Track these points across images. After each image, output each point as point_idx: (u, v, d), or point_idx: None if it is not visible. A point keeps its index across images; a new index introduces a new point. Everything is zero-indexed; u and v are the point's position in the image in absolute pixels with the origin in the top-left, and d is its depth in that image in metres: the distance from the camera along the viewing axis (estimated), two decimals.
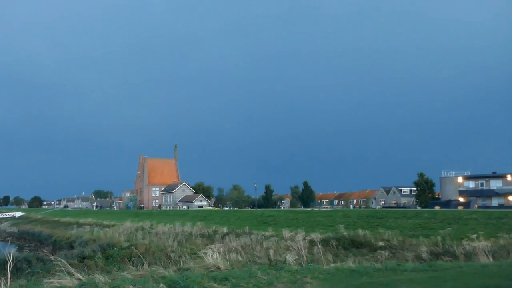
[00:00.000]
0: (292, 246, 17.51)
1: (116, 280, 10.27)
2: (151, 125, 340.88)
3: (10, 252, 13.32)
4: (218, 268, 12.39)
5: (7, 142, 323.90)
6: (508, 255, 15.35)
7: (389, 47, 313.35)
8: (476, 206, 62.61)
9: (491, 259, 14.10)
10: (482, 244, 16.18)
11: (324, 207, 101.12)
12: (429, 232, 24.48)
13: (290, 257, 14.53)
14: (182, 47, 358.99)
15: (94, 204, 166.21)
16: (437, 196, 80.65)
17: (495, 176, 68.92)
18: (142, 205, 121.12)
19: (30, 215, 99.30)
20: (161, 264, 14.62)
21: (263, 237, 25.13)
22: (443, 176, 74.65)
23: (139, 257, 16.50)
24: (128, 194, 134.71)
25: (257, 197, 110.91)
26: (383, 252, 17.91)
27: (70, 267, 11.57)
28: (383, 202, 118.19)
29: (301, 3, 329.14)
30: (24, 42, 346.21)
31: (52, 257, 18.89)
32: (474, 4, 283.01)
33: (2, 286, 10.50)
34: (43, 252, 31.49)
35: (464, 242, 18.11)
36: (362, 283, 9.47)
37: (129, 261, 18.59)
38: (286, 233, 25.35)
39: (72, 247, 34.13)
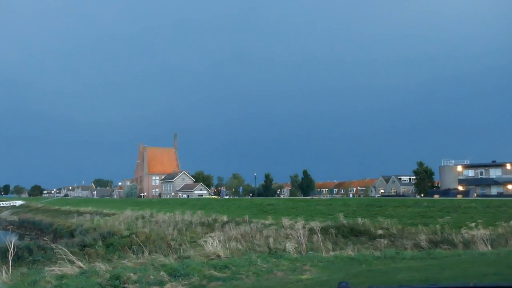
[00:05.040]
0: (291, 235, 17.58)
1: (116, 268, 10.34)
2: (151, 115, 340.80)
3: (11, 240, 13.36)
4: (218, 256, 12.43)
5: (7, 131, 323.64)
6: (506, 243, 15.42)
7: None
8: (475, 194, 62.65)
9: (489, 247, 14.15)
10: (481, 232, 16.23)
11: (323, 196, 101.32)
12: (428, 220, 24.57)
13: (289, 245, 14.59)
14: (185, 38, 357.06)
15: (94, 192, 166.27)
16: (436, 185, 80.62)
17: (495, 165, 68.89)
18: (142, 194, 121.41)
19: (30, 204, 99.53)
20: (162, 252, 14.70)
21: (262, 225, 25.28)
22: (442, 165, 74.51)
23: (140, 245, 16.59)
24: (128, 183, 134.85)
25: (257, 186, 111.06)
26: (382, 240, 18.01)
27: (71, 255, 11.63)
28: (382, 191, 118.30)
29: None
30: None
31: (53, 246, 18.96)
32: None
33: (4, 274, 10.54)
34: (44, 240, 31.70)
35: (463, 231, 18.16)
36: (361, 271, 9.51)
37: (129, 249, 18.69)
38: (286, 221, 25.45)
39: (72, 236, 34.31)
